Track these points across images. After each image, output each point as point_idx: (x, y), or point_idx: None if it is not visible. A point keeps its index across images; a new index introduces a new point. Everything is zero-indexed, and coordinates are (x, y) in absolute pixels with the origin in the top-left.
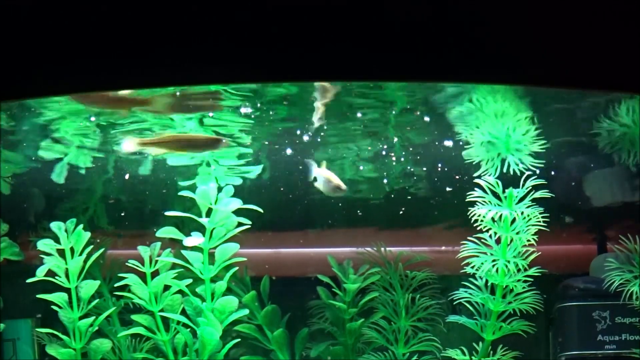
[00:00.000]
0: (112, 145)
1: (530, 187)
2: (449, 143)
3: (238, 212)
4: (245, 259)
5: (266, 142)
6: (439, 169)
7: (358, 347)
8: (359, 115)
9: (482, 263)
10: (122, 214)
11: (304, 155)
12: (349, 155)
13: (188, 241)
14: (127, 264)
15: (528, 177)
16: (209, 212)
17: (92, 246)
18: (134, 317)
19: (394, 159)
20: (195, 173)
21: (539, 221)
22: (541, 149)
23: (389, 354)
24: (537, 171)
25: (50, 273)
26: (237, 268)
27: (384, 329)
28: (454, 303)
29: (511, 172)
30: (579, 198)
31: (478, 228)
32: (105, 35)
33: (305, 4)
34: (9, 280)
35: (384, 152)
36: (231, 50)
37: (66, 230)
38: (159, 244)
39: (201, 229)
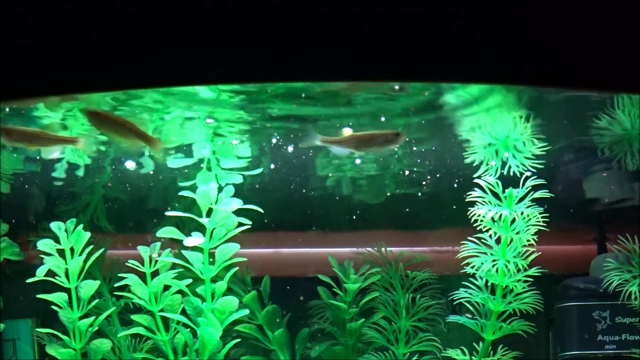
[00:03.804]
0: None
1: (530, 187)
2: (450, 143)
3: (238, 212)
4: (245, 259)
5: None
6: (441, 169)
7: (358, 347)
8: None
9: (482, 263)
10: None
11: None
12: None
13: (188, 241)
14: (127, 264)
15: (528, 177)
16: (209, 212)
17: (92, 246)
18: (134, 317)
19: (395, 158)
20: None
21: (539, 221)
22: (541, 150)
23: (390, 354)
24: (536, 171)
25: (50, 273)
26: (237, 268)
27: (385, 329)
28: (454, 303)
29: (511, 173)
30: (578, 198)
31: (478, 228)
32: (105, 35)
33: (306, 3)
34: (9, 280)
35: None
36: (231, 50)
37: (66, 230)
38: (159, 243)
39: (201, 229)
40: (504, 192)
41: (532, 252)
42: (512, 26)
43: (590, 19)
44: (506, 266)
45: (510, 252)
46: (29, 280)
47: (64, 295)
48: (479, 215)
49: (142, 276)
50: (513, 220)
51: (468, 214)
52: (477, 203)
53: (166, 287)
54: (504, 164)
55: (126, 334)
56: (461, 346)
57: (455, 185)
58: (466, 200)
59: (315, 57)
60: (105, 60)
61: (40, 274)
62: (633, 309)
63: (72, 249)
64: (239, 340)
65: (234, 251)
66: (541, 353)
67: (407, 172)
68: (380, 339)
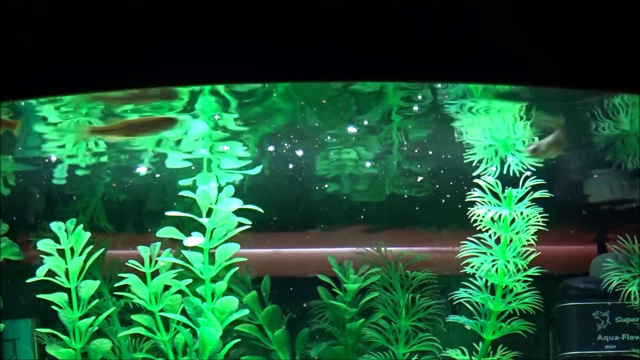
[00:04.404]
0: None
1: (530, 187)
2: (450, 142)
3: (238, 212)
4: (245, 259)
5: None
6: (440, 169)
7: (358, 347)
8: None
9: (482, 263)
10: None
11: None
12: (349, 154)
13: (188, 241)
14: (127, 264)
15: (527, 177)
16: (209, 212)
17: (92, 246)
18: (134, 317)
19: (394, 158)
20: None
21: (539, 221)
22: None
23: (389, 354)
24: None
25: (50, 273)
26: (237, 268)
27: (384, 329)
28: (454, 303)
29: (511, 173)
30: (578, 198)
31: (477, 228)
32: (105, 35)
33: (306, 3)
34: (9, 280)
35: (384, 152)
36: (231, 50)
37: (66, 230)
38: (159, 243)
39: (201, 228)
40: (503, 192)
41: (532, 252)
42: (512, 26)
43: (590, 19)
44: (506, 266)
45: (509, 252)
46: (29, 280)
47: (64, 295)
48: (478, 215)
49: (142, 276)
50: (513, 220)
51: (468, 214)
52: (476, 203)
53: (166, 287)
54: (503, 163)
55: (126, 334)
56: (461, 346)
57: (456, 185)
58: (466, 200)
59: (315, 57)
60: (105, 60)
61: (40, 274)
62: (633, 309)
63: (72, 249)
64: (239, 340)
65: (234, 251)
66: (541, 353)
67: (406, 172)
68: (380, 339)
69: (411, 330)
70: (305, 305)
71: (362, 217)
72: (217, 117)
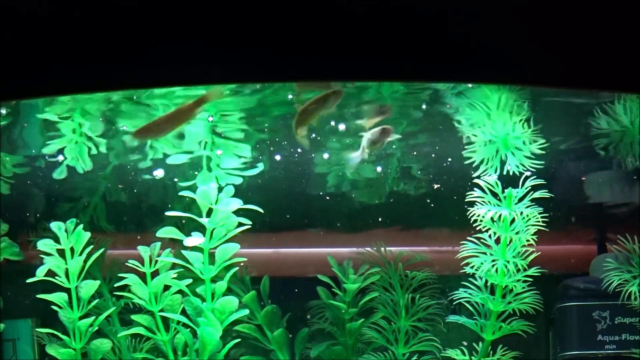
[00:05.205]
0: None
1: (530, 187)
2: (449, 142)
3: (238, 212)
4: (245, 259)
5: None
6: (439, 168)
7: (358, 347)
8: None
9: (482, 263)
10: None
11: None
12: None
13: (188, 241)
14: (127, 264)
15: (527, 177)
16: (209, 212)
17: (92, 246)
18: (134, 317)
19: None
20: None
21: (539, 221)
22: (540, 149)
23: (389, 354)
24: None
25: (50, 273)
26: (237, 268)
27: (384, 329)
28: (454, 303)
29: (510, 173)
30: (578, 198)
31: (477, 228)
32: (105, 35)
33: (305, 3)
34: (9, 280)
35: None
36: (231, 50)
37: (66, 230)
38: (159, 243)
39: (201, 229)
40: (503, 192)
41: (532, 252)
42: (512, 26)
43: (590, 19)
44: (506, 266)
45: (509, 252)
46: (29, 280)
47: (64, 295)
48: (478, 215)
49: (142, 276)
50: (512, 220)
51: (468, 213)
52: (476, 203)
53: (166, 287)
54: (503, 163)
55: (126, 334)
56: (461, 346)
57: (456, 185)
58: (466, 200)
59: (315, 57)
60: (105, 60)
61: (40, 274)
62: (633, 309)
63: (72, 249)
64: (239, 340)
65: (234, 251)
66: (541, 353)
67: (406, 172)
68: (379, 339)
69: (411, 330)
70: (303, 301)
71: (362, 217)
72: (210, 118)
